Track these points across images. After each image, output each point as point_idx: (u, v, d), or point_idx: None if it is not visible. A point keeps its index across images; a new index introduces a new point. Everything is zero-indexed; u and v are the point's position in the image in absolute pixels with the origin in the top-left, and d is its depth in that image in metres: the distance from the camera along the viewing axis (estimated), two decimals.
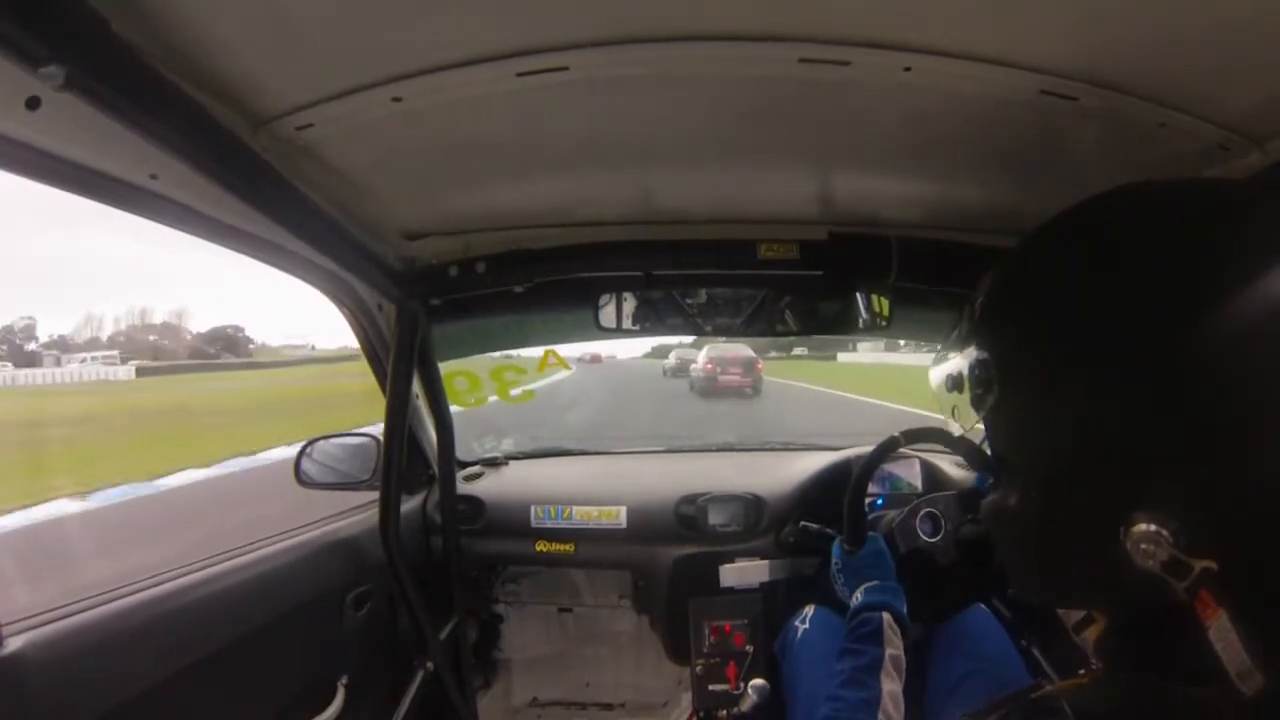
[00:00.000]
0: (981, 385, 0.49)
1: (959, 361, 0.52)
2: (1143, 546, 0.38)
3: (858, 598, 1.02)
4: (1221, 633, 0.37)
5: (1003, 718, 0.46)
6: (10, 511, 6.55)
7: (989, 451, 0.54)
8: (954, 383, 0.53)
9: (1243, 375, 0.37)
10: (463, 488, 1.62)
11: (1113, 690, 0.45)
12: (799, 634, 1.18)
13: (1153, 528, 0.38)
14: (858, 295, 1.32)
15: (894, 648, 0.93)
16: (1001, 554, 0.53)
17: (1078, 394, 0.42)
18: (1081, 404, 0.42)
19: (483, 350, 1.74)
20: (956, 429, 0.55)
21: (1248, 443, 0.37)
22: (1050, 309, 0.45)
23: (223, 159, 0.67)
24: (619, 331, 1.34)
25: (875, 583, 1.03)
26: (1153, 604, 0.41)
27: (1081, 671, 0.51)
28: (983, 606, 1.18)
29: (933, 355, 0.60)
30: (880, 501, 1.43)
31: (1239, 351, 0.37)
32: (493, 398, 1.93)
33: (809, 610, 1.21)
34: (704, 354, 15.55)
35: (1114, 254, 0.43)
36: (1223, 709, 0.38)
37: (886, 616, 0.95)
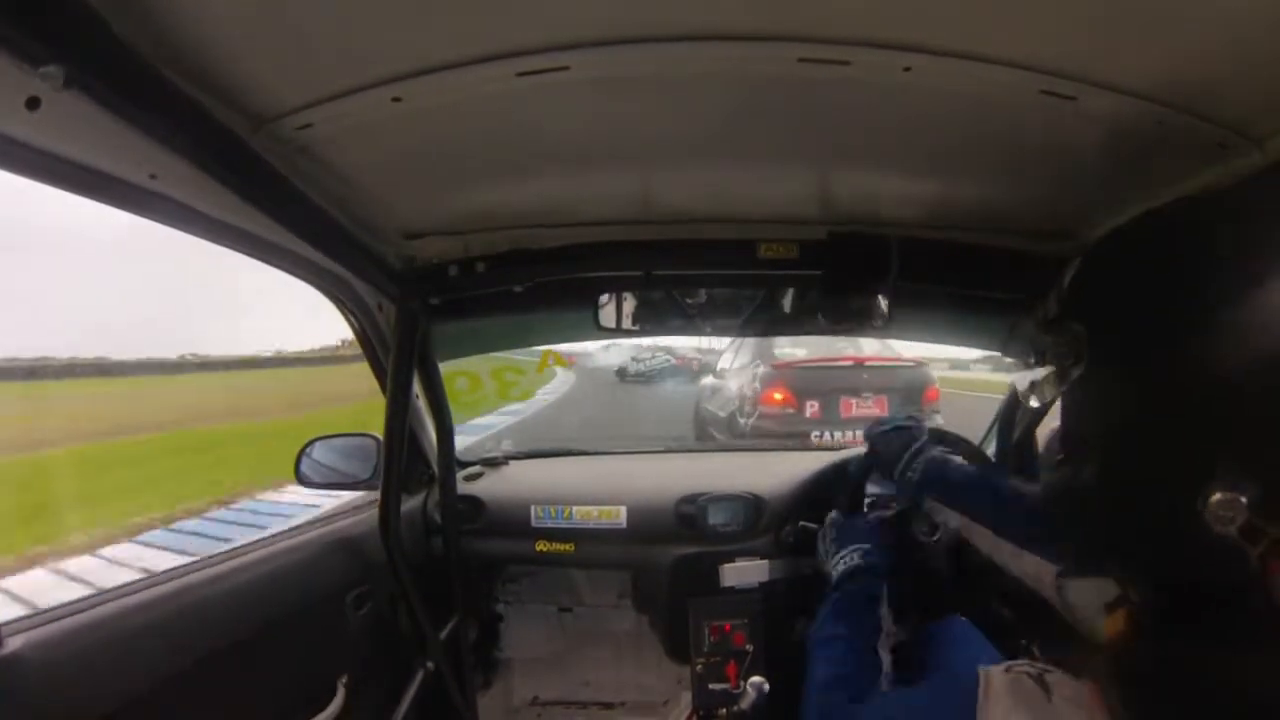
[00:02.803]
0: (1070, 356, 0.51)
1: (1044, 337, 0.55)
2: (1220, 513, 0.40)
3: (854, 558, 1.04)
4: None
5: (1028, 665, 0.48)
6: None
7: (1065, 427, 0.55)
8: (1040, 357, 0.55)
9: None
10: (463, 487, 1.62)
11: (1153, 656, 0.46)
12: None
13: (1231, 495, 0.40)
14: (857, 295, 1.32)
15: (888, 627, 0.94)
16: (1067, 527, 0.54)
17: (1163, 367, 0.45)
18: (1167, 377, 0.45)
19: (483, 350, 1.74)
20: (1034, 401, 0.59)
21: None
22: (1147, 289, 0.48)
23: (223, 158, 0.68)
24: (619, 331, 1.34)
25: (867, 546, 1.06)
26: (1219, 575, 0.42)
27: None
28: (961, 618, 1.17)
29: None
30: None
31: None
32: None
33: None
34: (748, 359, 5.92)
35: (1208, 247, 0.46)
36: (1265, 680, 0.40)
37: (883, 611, 0.97)
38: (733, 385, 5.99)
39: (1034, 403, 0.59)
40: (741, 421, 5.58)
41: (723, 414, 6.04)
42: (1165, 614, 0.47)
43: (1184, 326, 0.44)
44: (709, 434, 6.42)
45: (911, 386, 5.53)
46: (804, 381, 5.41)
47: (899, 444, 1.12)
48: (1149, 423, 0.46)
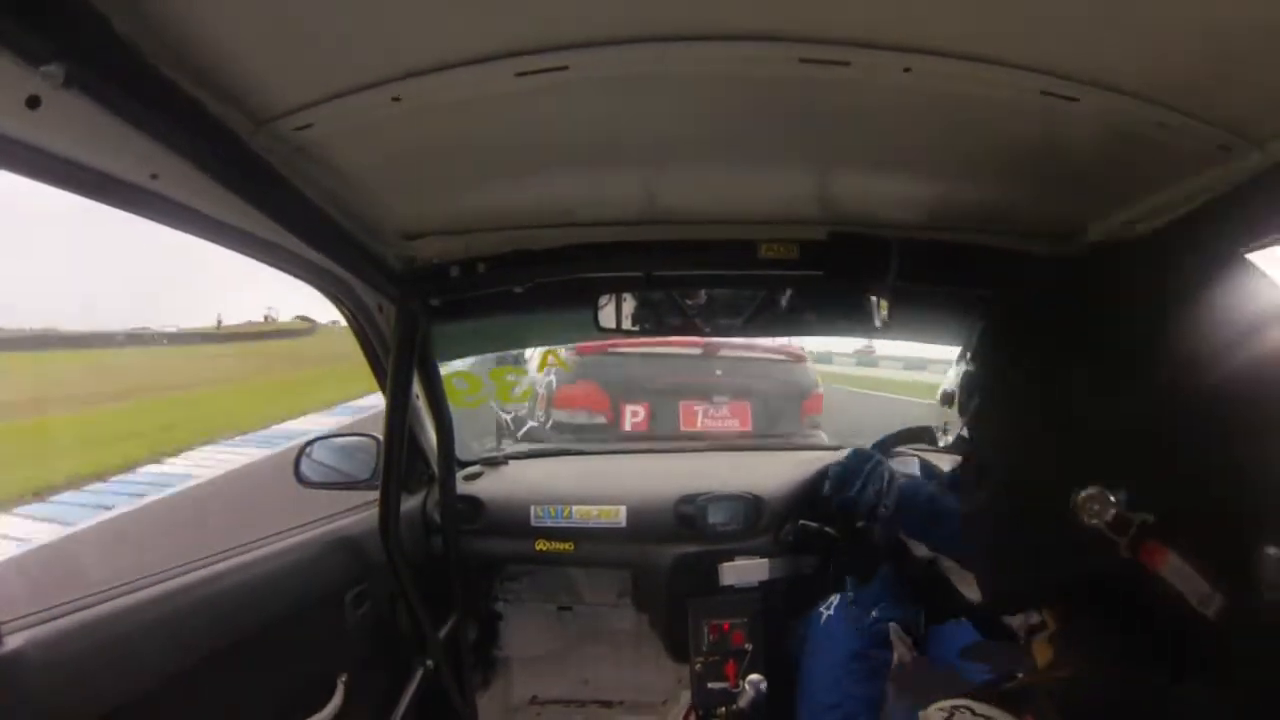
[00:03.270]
0: (966, 393, 0.58)
1: (952, 381, 0.62)
2: (1090, 506, 0.45)
3: (872, 615, 1.09)
4: (1175, 570, 0.43)
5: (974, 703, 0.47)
6: None
7: (971, 460, 0.61)
8: (946, 399, 0.62)
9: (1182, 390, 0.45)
10: (462, 487, 1.62)
11: (1095, 684, 0.47)
12: (822, 619, 1.20)
13: (1097, 490, 0.45)
14: (857, 295, 1.33)
15: (901, 653, 0.99)
16: (975, 555, 0.60)
17: (1042, 396, 0.51)
18: (1046, 405, 0.51)
19: (483, 351, 1.74)
20: (944, 439, 0.68)
21: (1179, 427, 0.45)
22: (1030, 340, 0.55)
23: (223, 158, 0.68)
24: (619, 332, 1.34)
25: (884, 603, 1.11)
26: (1100, 574, 0.47)
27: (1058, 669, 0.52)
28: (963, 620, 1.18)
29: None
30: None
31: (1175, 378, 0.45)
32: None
33: (835, 598, 1.23)
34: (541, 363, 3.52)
35: (1076, 307, 0.53)
36: (1203, 705, 0.42)
37: (893, 625, 1.02)
38: (530, 379, 3.79)
39: (943, 441, 0.68)
40: (532, 428, 3.35)
41: (512, 420, 3.62)
42: (1080, 639, 0.50)
43: (1053, 367, 0.51)
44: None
45: (786, 391, 3.57)
46: (623, 375, 3.31)
47: (870, 485, 1.15)
48: (1029, 443, 0.51)
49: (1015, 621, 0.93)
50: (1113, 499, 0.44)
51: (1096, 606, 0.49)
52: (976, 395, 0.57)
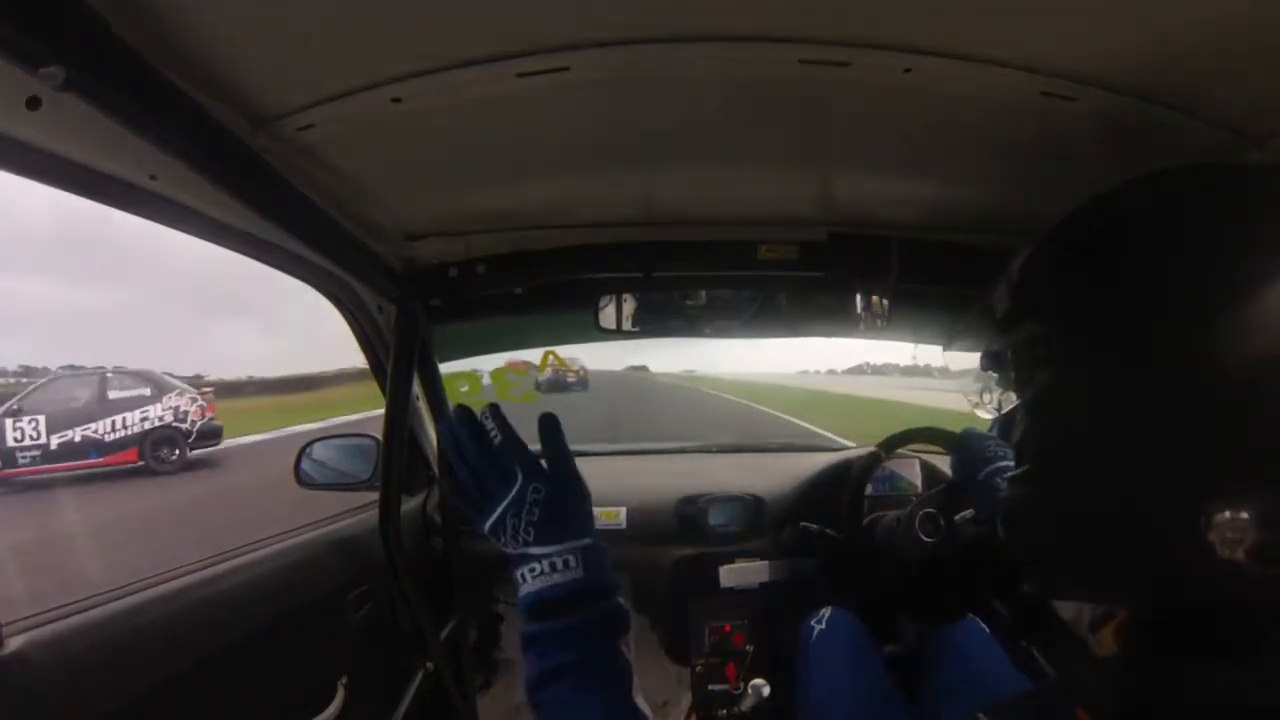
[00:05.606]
0: (1035, 363, 0.45)
1: (996, 339, 0.49)
2: (1228, 535, 0.35)
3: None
4: None
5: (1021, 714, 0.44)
6: None
7: (1024, 440, 0.49)
8: (993, 361, 0.49)
9: None
10: None
11: (1145, 680, 0.41)
12: (815, 634, 1.18)
13: (1234, 514, 0.35)
14: (858, 296, 1.32)
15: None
16: (1029, 550, 0.48)
17: (1150, 372, 0.39)
18: (1154, 384, 0.39)
19: (482, 352, 1.74)
20: (987, 412, 0.53)
21: None
22: (1120, 280, 0.41)
23: (222, 159, 0.68)
24: (619, 333, 1.34)
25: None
26: (1220, 594, 0.38)
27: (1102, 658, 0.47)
28: (974, 618, 1.17)
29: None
30: None
31: None
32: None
33: (826, 611, 1.22)
34: None
35: (1190, 230, 0.40)
36: (1264, 690, 0.36)
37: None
38: None
39: (984, 414, 0.54)
40: None
41: None
42: (1163, 638, 0.42)
43: (1176, 322, 0.38)
44: None
45: None
46: None
47: (991, 450, 1.12)
48: (1138, 436, 0.39)
49: (1068, 612, 0.84)
50: (1251, 520, 0.34)
51: (1194, 619, 0.40)
52: (1050, 366, 0.44)
